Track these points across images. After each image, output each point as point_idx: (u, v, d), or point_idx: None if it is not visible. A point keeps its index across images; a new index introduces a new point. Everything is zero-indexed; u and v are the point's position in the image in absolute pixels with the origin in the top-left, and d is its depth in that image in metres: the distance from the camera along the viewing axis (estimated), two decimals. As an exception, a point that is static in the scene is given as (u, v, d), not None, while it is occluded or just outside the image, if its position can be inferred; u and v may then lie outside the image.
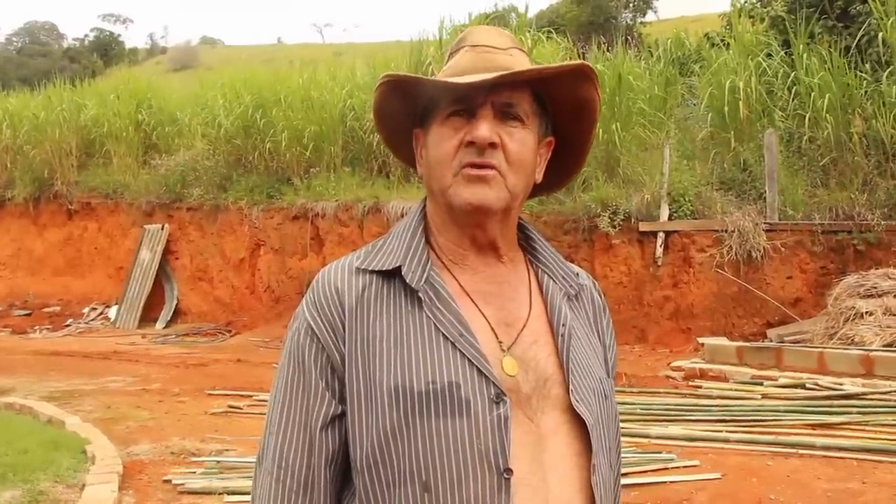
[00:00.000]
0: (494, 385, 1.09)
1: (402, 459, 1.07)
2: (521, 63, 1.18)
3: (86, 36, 56.50)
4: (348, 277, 1.17)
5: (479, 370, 1.09)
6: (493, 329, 1.15)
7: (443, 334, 1.11)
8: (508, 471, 1.06)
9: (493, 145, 1.13)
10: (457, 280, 1.17)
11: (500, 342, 1.14)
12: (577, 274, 1.29)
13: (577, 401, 1.14)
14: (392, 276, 1.16)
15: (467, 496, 1.05)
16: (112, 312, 14.33)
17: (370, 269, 1.17)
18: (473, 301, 1.16)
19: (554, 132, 1.24)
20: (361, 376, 1.11)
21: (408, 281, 1.14)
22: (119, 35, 57.20)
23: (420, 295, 1.14)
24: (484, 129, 1.13)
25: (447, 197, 1.15)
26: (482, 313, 1.16)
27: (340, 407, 1.12)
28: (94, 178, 15.47)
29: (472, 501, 1.05)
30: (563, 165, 1.29)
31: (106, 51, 51.71)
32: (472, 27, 1.25)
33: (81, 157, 15.88)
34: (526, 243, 1.27)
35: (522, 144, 1.16)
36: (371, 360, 1.11)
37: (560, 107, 1.22)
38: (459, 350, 1.10)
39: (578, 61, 1.19)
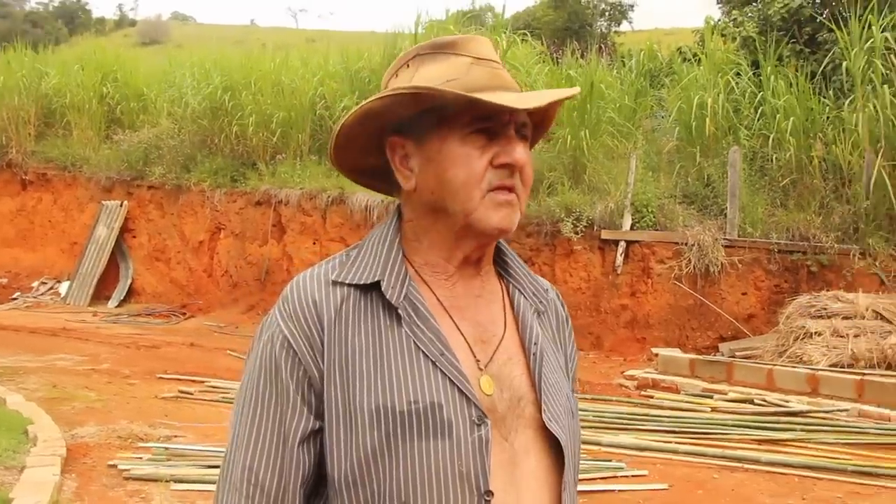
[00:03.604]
0: (476, 406, 1.08)
1: (383, 480, 1.05)
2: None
3: (50, 1, 55.30)
4: (325, 290, 1.13)
5: (460, 390, 1.08)
6: (470, 347, 1.14)
7: (423, 352, 1.10)
8: (489, 493, 1.06)
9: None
10: (434, 294, 1.16)
11: (478, 360, 1.13)
12: (547, 290, 1.28)
13: (549, 419, 1.14)
14: (369, 289, 1.14)
15: None
16: (63, 288, 14.04)
17: (347, 282, 1.14)
18: (451, 316, 1.15)
19: None
20: (341, 393, 1.08)
21: (388, 297, 1.12)
22: (86, 3, 56.18)
23: (399, 311, 1.12)
24: (521, 151, 1.12)
25: (470, 219, 1.12)
26: (459, 330, 1.14)
27: (318, 422, 1.10)
28: (52, 149, 15.13)
29: None
30: None
31: (72, 18, 50.66)
32: (464, 35, 1.21)
33: (40, 127, 15.51)
34: (497, 256, 1.26)
35: (531, 165, 1.16)
36: (351, 376, 1.08)
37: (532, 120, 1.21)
38: (440, 369, 1.09)
39: (577, 88, 1.20)
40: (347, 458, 1.07)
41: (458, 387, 1.09)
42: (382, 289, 1.13)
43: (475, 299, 1.19)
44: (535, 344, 1.19)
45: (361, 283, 1.13)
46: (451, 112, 1.12)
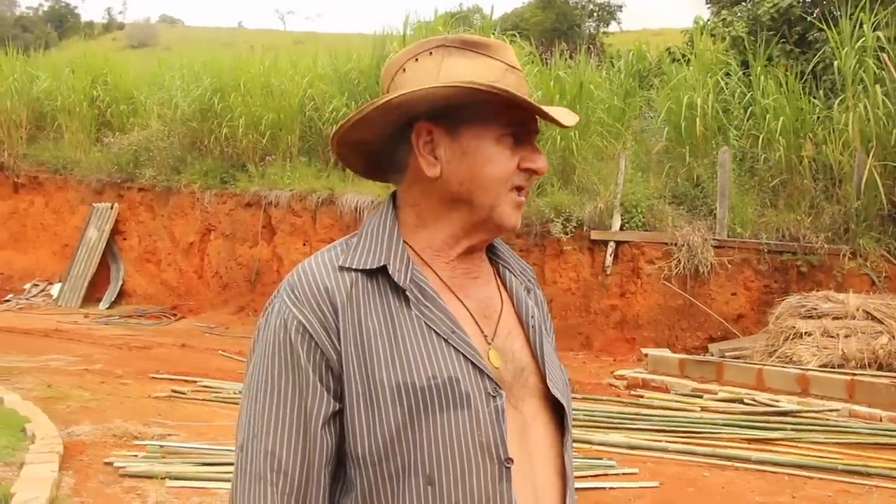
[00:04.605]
0: (490, 379, 1.14)
1: (408, 453, 1.09)
2: None
3: (40, 5, 54.99)
4: (334, 275, 1.16)
5: (473, 364, 1.14)
6: (477, 322, 1.20)
7: (434, 331, 1.14)
8: (509, 460, 1.12)
9: None
10: (437, 275, 1.20)
11: (485, 335, 1.20)
12: (531, 269, 1.37)
13: (553, 387, 1.22)
14: (374, 274, 1.17)
15: (470, 486, 1.10)
16: (55, 290, 14.02)
17: (354, 267, 1.17)
18: (455, 294, 1.20)
19: None
20: (360, 374, 1.11)
21: (395, 279, 1.16)
22: (75, 7, 55.87)
23: (407, 293, 1.16)
24: (544, 161, 1.21)
25: (493, 213, 1.20)
26: (465, 307, 1.20)
27: (337, 404, 1.12)
28: (43, 151, 15.12)
29: (475, 491, 1.10)
30: None
31: (61, 22, 50.41)
32: (493, 40, 1.24)
33: (31, 130, 15.51)
34: None
35: None
36: (369, 357, 1.12)
37: None
38: (453, 346, 1.14)
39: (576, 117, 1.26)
40: (372, 435, 1.10)
41: (471, 361, 1.14)
42: (389, 272, 1.16)
43: (474, 280, 1.24)
44: (532, 317, 1.26)
45: (368, 267, 1.17)
46: (492, 112, 1.17)
